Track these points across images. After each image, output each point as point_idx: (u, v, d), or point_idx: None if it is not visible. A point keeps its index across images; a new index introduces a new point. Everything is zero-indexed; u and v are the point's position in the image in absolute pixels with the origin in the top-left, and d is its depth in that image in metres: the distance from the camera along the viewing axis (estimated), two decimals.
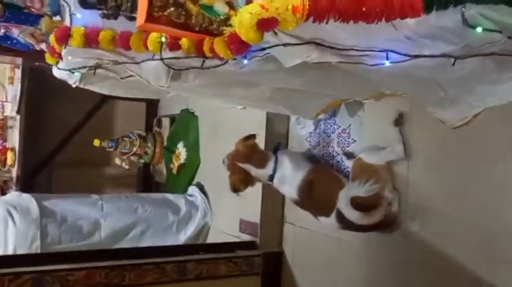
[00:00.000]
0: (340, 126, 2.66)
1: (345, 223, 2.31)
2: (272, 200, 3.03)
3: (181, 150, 4.11)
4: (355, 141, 2.56)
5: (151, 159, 4.43)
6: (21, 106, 4.07)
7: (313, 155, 2.82)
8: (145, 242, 3.15)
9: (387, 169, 2.28)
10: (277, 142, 2.88)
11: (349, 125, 2.59)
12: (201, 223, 3.49)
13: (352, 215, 2.15)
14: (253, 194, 3.04)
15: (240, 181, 2.67)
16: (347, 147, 2.60)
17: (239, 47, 1.58)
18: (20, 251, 2.79)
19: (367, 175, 2.26)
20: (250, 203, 3.11)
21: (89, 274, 2.49)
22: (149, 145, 4.38)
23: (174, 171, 4.15)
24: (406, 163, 2.25)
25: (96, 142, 4.13)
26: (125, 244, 3.12)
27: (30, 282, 2.35)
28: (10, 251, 2.79)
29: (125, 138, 4.30)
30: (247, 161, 2.62)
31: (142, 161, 4.43)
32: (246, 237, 3.13)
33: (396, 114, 2.26)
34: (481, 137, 1.93)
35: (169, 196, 3.66)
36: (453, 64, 1.64)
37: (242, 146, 2.63)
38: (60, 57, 2.03)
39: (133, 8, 1.87)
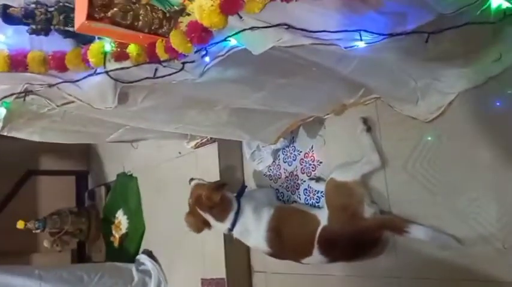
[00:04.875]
0: (301, 151, 2.48)
1: (332, 254, 2.11)
2: (236, 249, 2.71)
3: (121, 218, 3.70)
4: (320, 163, 2.38)
5: (87, 236, 3.94)
6: None
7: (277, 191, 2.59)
8: None
9: (363, 184, 2.10)
10: (243, 185, 2.63)
11: (311, 147, 2.42)
12: None
13: None
14: (214, 247, 2.74)
15: (195, 227, 2.45)
16: (313, 171, 2.41)
17: (201, 35, 1.39)
18: None
19: (343, 196, 2.09)
20: (211, 258, 2.78)
21: None
22: (83, 219, 3.92)
23: (116, 243, 3.69)
24: (382, 172, 2.09)
25: (20, 224, 3.61)
26: None
27: None
28: None
29: (53, 216, 3.82)
30: (207, 211, 2.37)
31: (76, 239, 3.93)
32: None
33: (361, 121, 2.13)
34: (459, 126, 1.83)
35: (117, 263, 3.20)
36: (426, 41, 1.56)
37: (206, 197, 2.33)
38: None
39: (67, 21, 1.64)
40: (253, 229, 2.29)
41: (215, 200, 2.30)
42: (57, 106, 1.75)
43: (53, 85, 1.65)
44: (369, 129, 2.10)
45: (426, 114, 1.89)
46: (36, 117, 1.94)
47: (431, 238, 1.87)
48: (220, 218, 2.33)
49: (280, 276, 2.56)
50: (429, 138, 1.91)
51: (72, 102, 1.73)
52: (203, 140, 2.77)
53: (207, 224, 2.42)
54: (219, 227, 2.37)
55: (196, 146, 2.84)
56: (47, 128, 2.07)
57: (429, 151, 1.92)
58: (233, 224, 2.31)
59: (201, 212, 2.39)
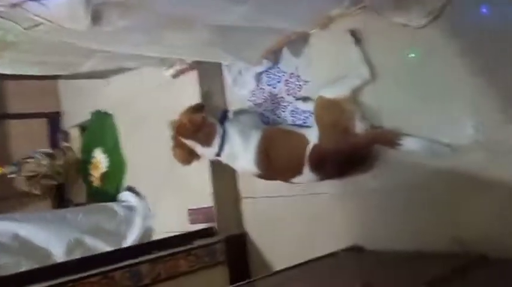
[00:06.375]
0: (286, 72, 2.38)
1: (323, 172, 2.09)
2: (222, 176, 2.67)
3: (99, 157, 3.59)
4: (307, 82, 2.30)
5: (66, 178, 3.84)
6: None
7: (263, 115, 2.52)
8: (83, 254, 2.58)
9: (353, 99, 2.04)
10: (224, 110, 2.57)
11: (296, 67, 2.33)
12: (143, 228, 3.01)
13: None
14: (200, 177, 2.68)
15: (184, 159, 2.38)
16: (299, 91, 2.34)
17: None
18: None
19: (333, 113, 2.03)
20: (198, 188, 2.72)
21: None
22: (59, 162, 3.79)
23: (96, 183, 3.60)
24: (372, 86, 2.02)
25: None
26: (58, 258, 2.55)
27: None
28: None
29: (28, 160, 3.67)
30: (191, 137, 2.30)
31: (55, 182, 3.82)
32: (199, 228, 2.73)
33: (349, 34, 2.04)
34: (453, 30, 1.76)
35: (101, 204, 3.14)
36: None
37: (187, 120, 2.27)
38: None
39: None
40: (242, 151, 2.24)
41: (198, 120, 2.23)
42: (24, 29, 1.58)
43: (16, 4, 1.48)
44: (357, 41, 2.01)
45: (418, 19, 1.81)
46: (4, 48, 1.77)
47: (424, 148, 1.85)
48: (207, 143, 2.27)
49: (268, 200, 2.55)
50: (421, 45, 1.85)
51: (41, 24, 1.57)
52: (182, 67, 2.64)
53: (194, 155, 2.36)
54: (207, 153, 2.31)
55: (175, 75, 2.70)
56: (13, 59, 1.91)
57: (421, 59, 1.86)
58: (220, 148, 2.26)
59: (186, 141, 2.32)
